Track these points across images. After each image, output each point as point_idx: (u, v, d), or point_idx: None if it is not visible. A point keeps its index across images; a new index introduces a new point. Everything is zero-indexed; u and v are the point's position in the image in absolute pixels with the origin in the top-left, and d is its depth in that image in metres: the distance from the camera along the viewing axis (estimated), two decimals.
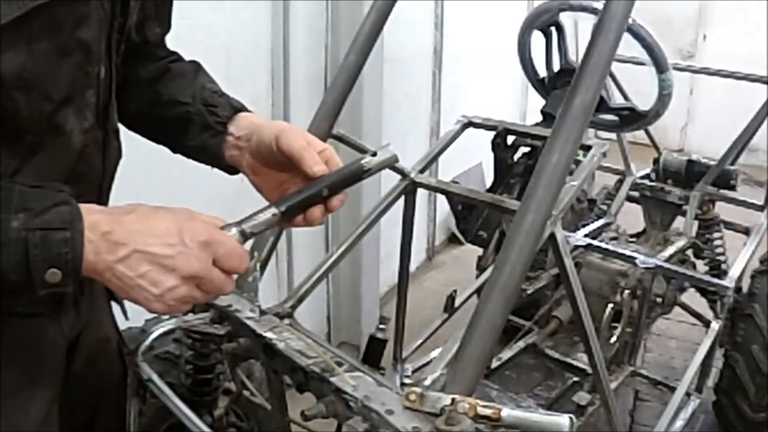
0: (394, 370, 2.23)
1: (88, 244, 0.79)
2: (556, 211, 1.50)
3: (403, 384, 2.13)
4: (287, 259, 2.90)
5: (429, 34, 3.90)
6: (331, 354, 1.16)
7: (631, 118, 2.59)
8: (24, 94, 0.86)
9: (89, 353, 1.15)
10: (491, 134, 2.25)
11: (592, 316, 1.67)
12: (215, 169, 1.16)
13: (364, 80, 2.65)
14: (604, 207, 3.14)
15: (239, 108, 1.13)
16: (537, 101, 2.78)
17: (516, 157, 2.46)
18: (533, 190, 1.13)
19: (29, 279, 0.77)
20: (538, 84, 2.77)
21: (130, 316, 1.21)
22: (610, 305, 2.45)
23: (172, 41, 1.22)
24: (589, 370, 2.14)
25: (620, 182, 3.15)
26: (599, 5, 2.31)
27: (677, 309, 2.80)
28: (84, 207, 0.81)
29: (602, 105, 2.51)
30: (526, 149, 2.46)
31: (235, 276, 0.88)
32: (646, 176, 3.08)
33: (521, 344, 2.67)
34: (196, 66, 1.20)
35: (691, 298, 2.85)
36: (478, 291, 2.16)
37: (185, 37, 1.32)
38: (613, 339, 2.47)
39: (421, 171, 2.00)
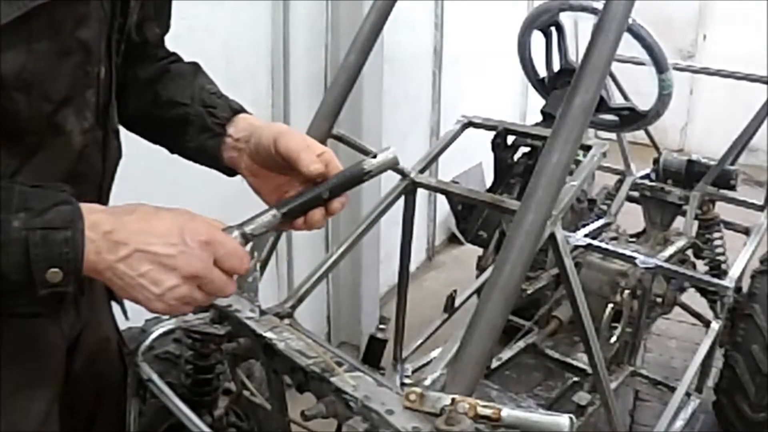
0: (394, 370, 2.23)
1: (89, 243, 0.79)
2: (556, 211, 1.50)
3: (403, 384, 2.13)
4: (287, 259, 2.90)
5: (429, 35, 3.90)
6: (331, 354, 1.16)
7: (631, 118, 2.59)
8: (24, 94, 0.86)
9: (89, 353, 1.15)
10: (491, 134, 2.25)
11: (592, 316, 1.67)
12: (214, 171, 1.16)
13: (364, 80, 2.65)
14: (604, 207, 3.14)
15: (238, 109, 1.13)
16: (537, 101, 2.78)
17: (516, 157, 2.46)
18: (533, 190, 1.13)
19: (30, 279, 0.77)
20: (538, 84, 2.77)
21: (130, 316, 1.21)
22: (610, 305, 2.45)
23: (172, 41, 1.22)
24: (589, 370, 2.14)
25: (620, 182, 3.15)
26: (599, 5, 2.31)
27: (677, 309, 2.80)
28: (85, 206, 0.81)
29: (602, 105, 2.51)
30: (526, 149, 2.46)
31: (235, 277, 0.88)
32: (646, 176, 3.08)
33: (521, 344, 2.67)
34: (195, 67, 1.20)
35: (691, 298, 2.85)
36: (478, 291, 2.16)
37: (185, 37, 1.32)
38: (613, 339, 2.47)
39: (421, 171, 2.00)
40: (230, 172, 1.13)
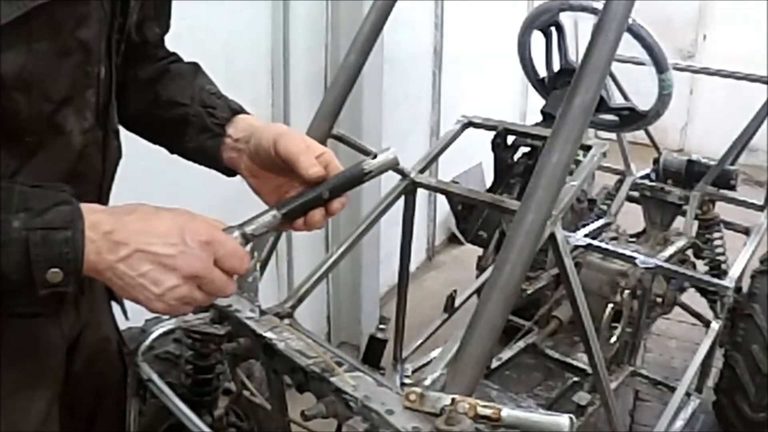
0: (394, 370, 2.23)
1: (90, 243, 0.79)
2: (556, 211, 1.50)
3: (403, 384, 2.13)
4: (287, 259, 2.90)
5: (429, 35, 3.90)
6: (331, 354, 1.16)
7: (631, 118, 2.59)
8: (24, 94, 0.86)
9: (89, 353, 1.15)
10: (491, 134, 2.25)
11: (592, 316, 1.67)
12: (214, 171, 1.16)
13: (364, 80, 2.64)
14: (604, 207, 3.14)
15: (238, 110, 1.13)
16: (537, 101, 2.78)
17: (516, 157, 2.46)
18: (533, 190, 1.13)
19: (30, 279, 0.77)
20: (538, 84, 2.77)
21: (130, 316, 1.21)
22: (610, 305, 2.45)
23: (172, 41, 1.22)
24: (589, 370, 2.14)
25: (620, 182, 3.15)
26: (599, 5, 2.31)
27: (677, 309, 2.80)
28: (85, 206, 0.81)
29: (602, 105, 2.51)
30: (526, 149, 2.46)
31: (235, 277, 0.88)
32: (646, 176, 3.08)
33: (521, 344, 2.67)
34: (195, 67, 1.20)
35: (691, 298, 2.85)
36: (478, 291, 2.16)
37: (185, 37, 1.32)
38: (613, 339, 2.47)
39: (421, 171, 2.00)
40: (230, 172, 1.13)
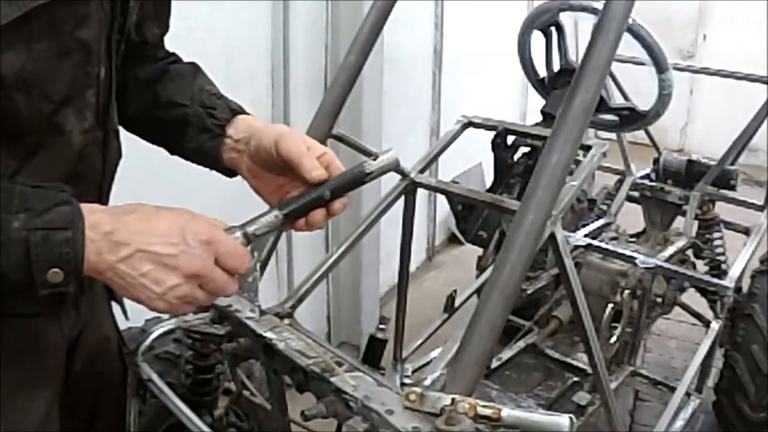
0: (394, 370, 2.23)
1: (90, 243, 0.79)
2: (556, 211, 1.50)
3: (403, 384, 2.13)
4: (287, 259, 2.90)
5: (429, 35, 3.90)
6: (331, 354, 1.16)
7: (631, 118, 2.59)
8: (24, 94, 0.86)
9: (89, 353, 1.15)
10: (491, 134, 2.25)
11: (592, 316, 1.67)
12: (214, 171, 1.16)
13: (364, 80, 2.64)
14: (604, 207, 3.14)
15: (238, 110, 1.13)
16: (537, 101, 2.78)
17: (516, 157, 2.46)
18: (533, 190, 1.13)
19: (31, 279, 0.77)
20: (538, 84, 2.77)
21: (130, 316, 1.21)
22: (610, 305, 2.45)
23: (172, 41, 1.22)
24: (589, 370, 2.14)
25: (620, 182, 3.15)
26: (599, 5, 2.31)
27: (677, 309, 2.80)
28: (85, 207, 0.81)
29: (602, 105, 2.50)
30: (526, 149, 2.46)
31: (236, 276, 0.88)
32: (646, 176, 3.08)
33: (521, 344, 2.67)
34: (194, 68, 1.20)
35: (691, 298, 2.84)
36: (478, 291, 2.16)
37: (185, 37, 1.32)
38: (613, 339, 2.47)
39: (421, 171, 2.00)
40: (230, 173, 1.13)
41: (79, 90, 0.94)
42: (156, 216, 0.84)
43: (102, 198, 1.06)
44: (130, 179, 1.20)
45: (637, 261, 2.44)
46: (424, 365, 2.25)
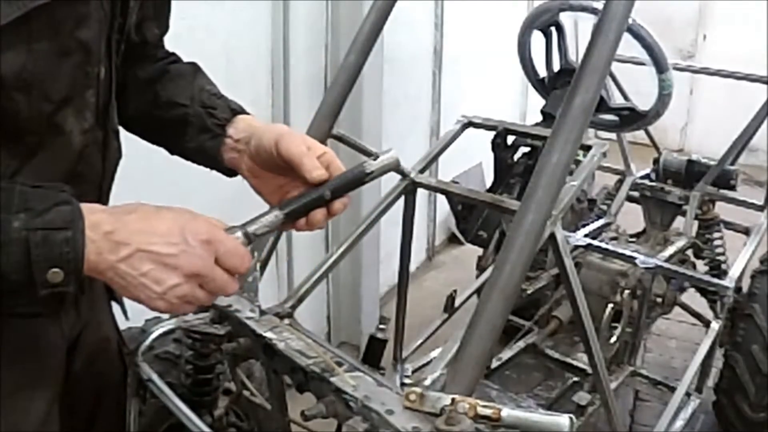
0: (394, 370, 2.23)
1: (90, 243, 0.79)
2: (556, 211, 1.50)
3: (403, 384, 2.13)
4: (287, 259, 2.90)
5: (429, 35, 3.90)
6: (331, 354, 1.16)
7: (631, 118, 2.58)
8: (24, 94, 0.86)
9: (89, 353, 1.15)
10: (491, 134, 2.25)
11: (592, 316, 1.67)
12: (214, 171, 1.16)
13: (364, 80, 2.65)
14: (604, 207, 3.14)
15: (238, 110, 1.13)
16: (537, 101, 2.78)
17: (516, 157, 2.46)
18: (533, 190, 1.13)
19: (31, 279, 0.77)
20: (538, 84, 2.77)
21: (130, 316, 1.21)
22: (610, 305, 2.45)
23: (172, 41, 1.22)
24: (589, 370, 2.14)
25: (620, 182, 3.15)
26: (599, 5, 2.31)
27: (677, 309, 2.80)
28: (85, 206, 0.81)
29: (602, 105, 2.50)
30: (526, 149, 2.46)
31: (237, 276, 0.88)
32: (646, 176, 3.08)
33: (521, 344, 2.67)
34: (194, 67, 1.20)
35: (691, 298, 2.84)
36: (478, 291, 2.16)
37: (185, 37, 1.32)
38: (613, 339, 2.47)
39: (421, 171, 2.00)
40: (230, 172, 1.13)
41: (79, 90, 0.94)
42: (156, 216, 0.84)
43: (102, 198, 1.06)
44: (130, 179, 1.20)
45: (637, 261, 2.44)
46: (424, 365, 2.25)
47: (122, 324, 1.27)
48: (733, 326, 2.55)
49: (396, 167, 1.01)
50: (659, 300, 2.59)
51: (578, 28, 2.95)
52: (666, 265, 2.47)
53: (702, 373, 2.48)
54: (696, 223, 2.91)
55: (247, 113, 1.14)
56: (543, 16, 2.56)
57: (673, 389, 2.40)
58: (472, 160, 4.25)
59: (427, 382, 1.41)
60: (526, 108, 5.14)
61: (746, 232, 2.98)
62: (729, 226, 3.08)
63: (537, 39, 2.64)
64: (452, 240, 4.51)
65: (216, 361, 1.46)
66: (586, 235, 2.72)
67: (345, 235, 1.82)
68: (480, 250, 2.80)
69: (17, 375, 0.98)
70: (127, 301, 1.06)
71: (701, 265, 2.96)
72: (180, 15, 1.23)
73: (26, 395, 1.01)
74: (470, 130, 2.17)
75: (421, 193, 2.05)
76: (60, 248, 0.77)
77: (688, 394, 2.40)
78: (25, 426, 1.00)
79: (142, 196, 0.89)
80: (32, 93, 0.86)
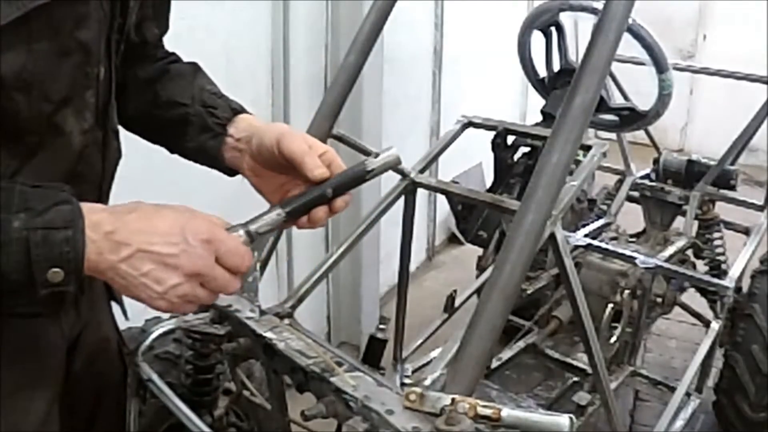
0: (394, 370, 2.23)
1: (91, 244, 0.79)
2: (556, 211, 1.50)
3: (403, 384, 2.13)
4: (287, 259, 2.90)
5: (429, 35, 3.90)
6: (331, 354, 1.16)
7: (631, 118, 2.59)
8: (24, 94, 0.86)
9: (89, 353, 1.15)
10: (491, 134, 2.25)
11: (592, 316, 1.67)
12: (214, 171, 1.16)
13: (364, 80, 2.65)
14: (604, 207, 3.14)
15: (238, 110, 1.13)
16: (537, 101, 2.78)
17: (516, 157, 2.46)
18: (533, 190, 1.13)
19: (31, 279, 0.77)
20: (538, 84, 2.77)
21: (130, 316, 1.21)
22: (610, 305, 2.45)
23: (172, 41, 1.22)
24: (589, 370, 2.14)
25: (620, 182, 3.15)
26: (599, 5, 2.31)
27: (677, 309, 2.80)
28: (85, 206, 0.81)
29: (602, 105, 2.51)
30: (526, 149, 2.46)
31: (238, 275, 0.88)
32: (646, 176, 3.08)
33: (521, 344, 2.67)
34: (194, 67, 1.20)
35: (691, 298, 2.84)
36: (478, 291, 2.16)
37: (185, 37, 1.32)
38: (613, 339, 2.47)
39: (421, 171, 2.00)
40: (231, 172, 1.13)
41: (79, 90, 0.94)
42: (156, 215, 0.84)
43: (102, 198, 1.06)
44: (130, 179, 1.20)
45: (637, 261, 2.44)
46: (424, 365, 2.25)
47: (122, 324, 1.27)
48: (733, 326, 2.55)
49: (397, 165, 1.01)
50: (659, 300, 2.59)
51: (578, 28, 2.95)
52: (666, 265, 2.47)
53: (702, 373, 2.48)
54: (696, 223, 2.91)
55: (248, 113, 1.14)
56: (543, 16, 2.56)
57: (673, 389, 2.40)
58: (472, 160, 4.25)
59: (427, 382, 1.41)
60: (526, 108, 5.14)
61: (746, 232, 2.98)
62: (729, 226, 3.08)
63: (537, 39, 2.64)
64: (452, 240, 4.51)
65: (216, 361, 1.46)
66: (586, 235, 2.72)
67: (345, 235, 1.82)
68: (480, 250, 2.80)
69: (17, 375, 0.98)
70: (127, 301, 1.06)
71: (701, 265, 2.96)
72: (180, 15, 1.23)
73: (26, 395, 1.00)
74: (470, 130, 2.17)
75: (421, 193, 2.05)
76: (60, 248, 0.77)
77: (688, 394, 2.40)
78: (25, 426, 1.00)
79: (142, 196, 0.89)
80: (32, 93, 0.86)
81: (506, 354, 2.62)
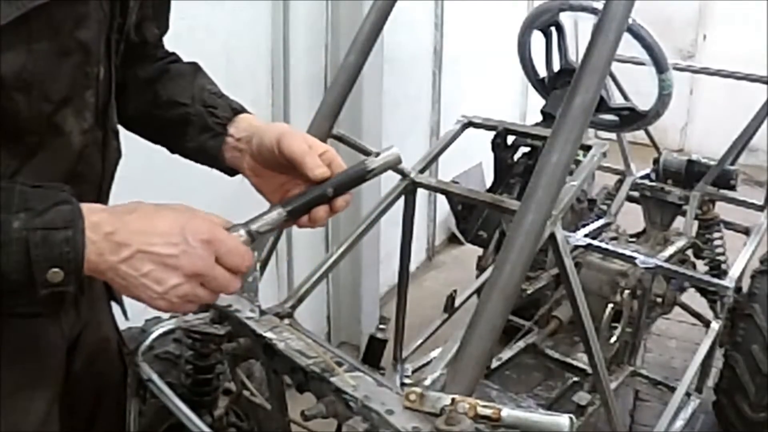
0: (394, 370, 2.23)
1: (91, 244, 0.79)
2: (556, 211, 1.50)
3: (403, 384, 2.13)
4: (287, 259, 2.90)
5: (429, 35, 3.90)
6: (331, 354, 1.16)
7: (631, 118, 2.59)
8: (24, 94, 0.86)
9: (89, 353, 1.15)
10: (491, 134, 2.25)
11: (592, 316, 1.67)
12: (214, 171, 1.16)
13: (364, 80, 2.64)
14: (604, 207, 3.14)
15: (239, 109, 1.13)
16: (537, 101, 2.78)
17: (516, 157, 2.46)
18: (533, 190, 1.13)
19: (31, 279, 0.77)
20: (538, 84, 2.77)
21: (130, 316, 1.21)
22: (610, 305, 2.45)
23: (172, 41, 1.22)
24: (589, 370, 2.14)
25: (620, 182, 3.15)
26: (599, 5, 2.31)
27: (677, 309, 2.80)
28: (85, 206, 0.81)
29: (602, 105, 2.51)
30: (526, 149, 2.46)
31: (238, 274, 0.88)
32: (646, 176, 3.08)
33: (521, 344, 2.67)
34: (195, 67, 1.20)
35: (691, 298, 2.85)
36: (478, 291, 2.16)
37: (185, 37, 1.32)
38: (613, 339, 2.47)
39: (421, 171, 2.00)
40: (231, 171, 1.13)
41: (79, 90, 0.94)
42: (156, 215, 0.84)
43: (102, 198, 1.06)
44: (130, 179, 1.20)
45: (637, 261, 2.44)
46: (424, 365, 2.25)
47: (122, 324, 1.26)
48: (733, 326, 2.55)
49: (397, 164, 1.01)
50: (659, 300, 2.59)
51: (578, 28, 2.95)
52: (666, 265, 2.47)
53: (702, 373, 2.48)
54: (696, 223, 2.91)
55: (248, 112, 1.14)
56: (543, 16, 2.56)
57: (673, 389, 2.40)
58: (472, 160, 4.25)
59: (427, 382, 1.41)
60: (526, 108, 5.14)
61: (746, 232, 2.99)
62: (729, 226, 3.08)
63: (537, 39, 2.64)
64: (452, 240, 4.51)
65: (216, 361, 1.46)
66: (586, 235, 2.72)
67: (345, 235, 1.82)
68: (480, 250, 2.80)
69: (17, 375, 0.98)
70: (127, 301, 1.06)
71: (701, 265, 2.96)
72: (180, 15, 1.23)
73: (26, 395, 1.00)
74: (470, 130, 2.17)
75: (421, 193, 2.05)
76: (60, 248, 0.77)
77: (688, 394, 2.40)
78: (25, 426, 1.00)
79: (142, 196, 0.89)
80: (32, 93, 0.86)
81: (506, 354, 2.62)
